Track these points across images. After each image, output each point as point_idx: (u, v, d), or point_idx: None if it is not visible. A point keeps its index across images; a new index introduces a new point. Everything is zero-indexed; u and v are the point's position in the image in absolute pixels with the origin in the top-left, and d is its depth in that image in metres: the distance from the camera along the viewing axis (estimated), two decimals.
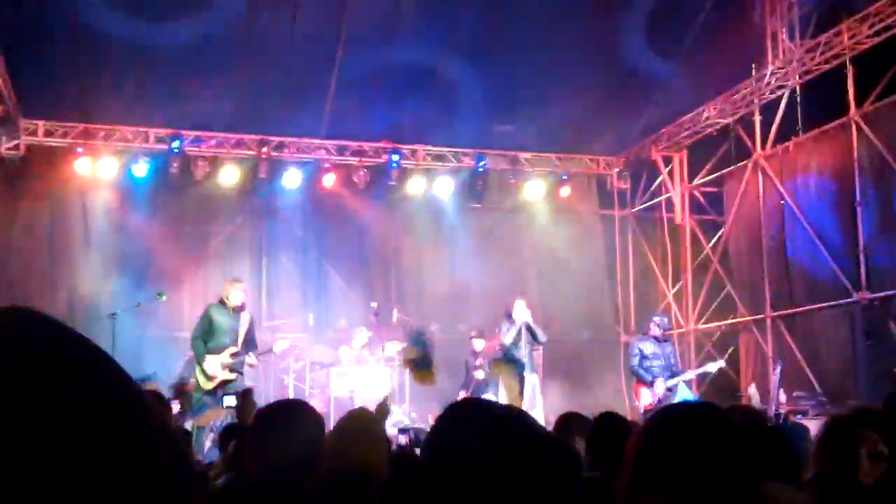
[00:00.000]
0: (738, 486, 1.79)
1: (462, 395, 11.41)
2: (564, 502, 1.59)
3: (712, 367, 11.12)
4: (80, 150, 12.85)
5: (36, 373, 0.72)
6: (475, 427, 1.65)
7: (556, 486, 1.58)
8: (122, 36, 10.70)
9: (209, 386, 9.47)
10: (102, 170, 12.97)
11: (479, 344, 11.86)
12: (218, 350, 9.56)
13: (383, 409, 5.44)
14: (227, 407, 8.56)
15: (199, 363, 9.55)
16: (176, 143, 12.96)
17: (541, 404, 11.09)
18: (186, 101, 12.25)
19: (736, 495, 1.73)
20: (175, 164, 13.06)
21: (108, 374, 0.76)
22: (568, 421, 5.03)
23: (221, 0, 10.67)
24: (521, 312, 10.66)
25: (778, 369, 11.58)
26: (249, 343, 9.76)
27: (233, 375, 9.56)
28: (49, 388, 0.71)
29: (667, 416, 2.15)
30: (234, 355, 9.57)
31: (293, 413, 3.11)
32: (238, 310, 9.78)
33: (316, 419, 3.10)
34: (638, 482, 1.93)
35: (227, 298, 9.76)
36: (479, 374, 11.20)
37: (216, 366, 9.51)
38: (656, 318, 11.11)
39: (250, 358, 9.74)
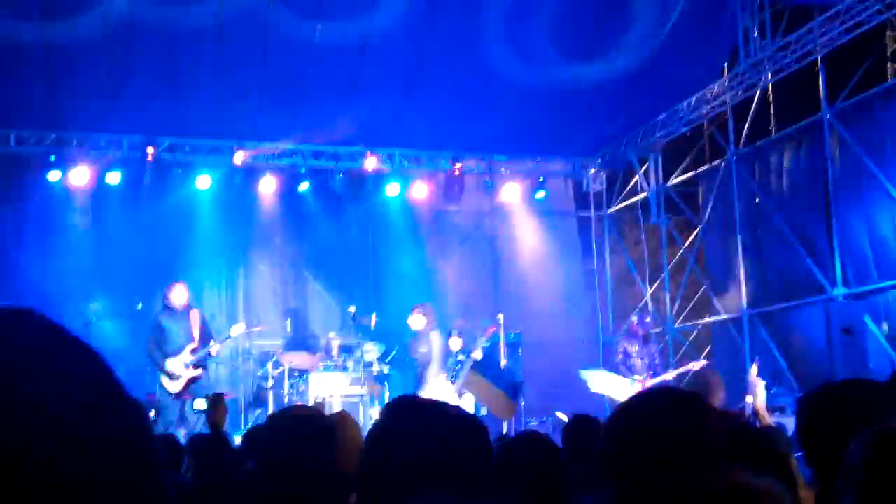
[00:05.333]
0: (709, 474, 1.77)
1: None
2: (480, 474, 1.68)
3: (694, 366, 11.09)
4: (52, 158, 12.72)
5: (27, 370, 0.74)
6: (400, 418, 1.81)
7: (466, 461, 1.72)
8: (94, 43, 10.62)
9: (176, 388, 9.41)
10: (76, 178, 12.84)
11: (455, 343, 11.67)
12: (177, 353, 9.52)
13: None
14: (197, 411, 8.49)
15: (160, 369, 9.50)
16: (150, 150, 12.85)
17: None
18: (160, 108, 12.16)
19: (706, 483, 1.71)
20: (149, 172, 12.94)
21: (98, 373, 0.78)
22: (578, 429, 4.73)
23: (191, 8, 10.63)
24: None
25: (755, 367, 11.63)
26: (206, 338, 9.74)
27: (198, 372, 9.53)
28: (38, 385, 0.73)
29: (637, 402, 2.13)
30: (193, 351, 9.54)
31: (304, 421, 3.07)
32: (185, 309, 9.74)
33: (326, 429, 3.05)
34: (610, 470, 1.92)
35: (170, 302, 9.74)
36: (478, 355, 10.93)
37: (179, 365, 9.47)
38: (636, 318, 11.07)
39: (213, 346, 9.70)
